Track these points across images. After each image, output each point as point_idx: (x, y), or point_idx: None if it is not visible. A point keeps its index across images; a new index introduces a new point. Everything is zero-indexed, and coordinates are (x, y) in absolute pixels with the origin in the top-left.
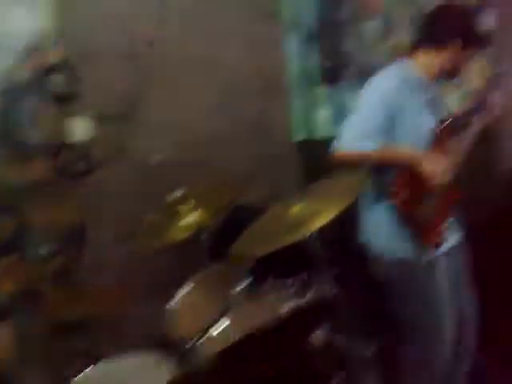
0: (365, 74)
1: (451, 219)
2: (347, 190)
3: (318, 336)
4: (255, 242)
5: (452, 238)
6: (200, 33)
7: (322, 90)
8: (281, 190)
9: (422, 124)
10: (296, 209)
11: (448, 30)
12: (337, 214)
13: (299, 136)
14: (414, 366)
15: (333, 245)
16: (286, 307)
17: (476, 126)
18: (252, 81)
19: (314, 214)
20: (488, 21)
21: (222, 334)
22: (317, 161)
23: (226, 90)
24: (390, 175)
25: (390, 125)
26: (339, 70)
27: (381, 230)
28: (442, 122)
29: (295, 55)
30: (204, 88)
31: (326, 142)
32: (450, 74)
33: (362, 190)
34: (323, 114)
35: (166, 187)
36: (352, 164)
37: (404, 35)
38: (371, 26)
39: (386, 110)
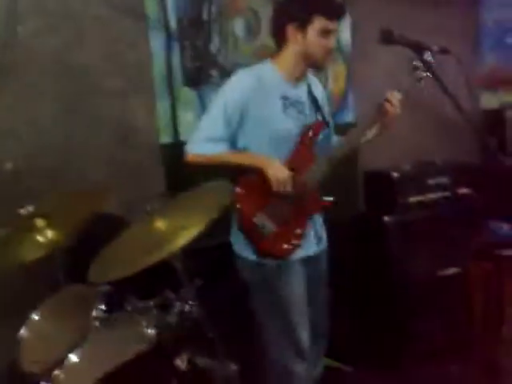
0: (230, 76)
1: (309, 228)
2: (212, 202)
3: (183, 359)
4: (113, 264)
5: (310, 246)
6: (54, 30)
7: (188, 92)
8: (145, 198)
9: (277, 127)
10: (158, 224)
11: (278, 18)
12: (201, 229)
13: (164, 139)
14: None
15: (196, 254)
16: (147, 333)
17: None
18: (112, 80)
19: (177, 230)
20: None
21: (75, 368)
22: (182, 165)
23: (81, 90)
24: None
25: (236, 127)
26: (204, 71)
27: (234, 231)
28: (309, 126)
29: (159, 55)
30: (56, 88)
31: None
32: (310, 63)
33: (227, 201)
34: (188, 117)
35: (14, 200)
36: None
37: (269, 36)
38: (237, 26)
39: (231, 111)
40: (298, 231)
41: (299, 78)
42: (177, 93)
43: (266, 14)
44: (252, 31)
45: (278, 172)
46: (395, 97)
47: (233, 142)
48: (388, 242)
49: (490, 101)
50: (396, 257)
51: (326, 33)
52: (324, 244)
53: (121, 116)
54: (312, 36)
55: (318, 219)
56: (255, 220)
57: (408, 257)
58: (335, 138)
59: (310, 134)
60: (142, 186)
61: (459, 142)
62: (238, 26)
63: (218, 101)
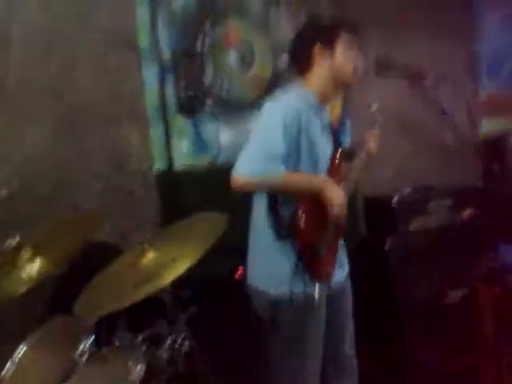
0: (224, 105)
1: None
2: (204, 234)
3: None
4: (100, 299)
5: (338, 273)
6: (48, 58)
7: (182, 121)
8: (137, 227)
9: (320, 150)
10: (149, 256)
11: (304, 40)
12: (193, 262)
13: (157, 167)
14: None
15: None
16: (136, 370)
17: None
18: (107, 108)
19: (167, 263)
20: None
21: None
22: (176, 192)
23: (75, 117)
24: (287, 210)
25: (291, 149)
26: (198, 100)
27: (259, 262)
28: (336, 149)
29: (152, 85)
30: (50, 115)
31: (185, 174)
32: (340, 82)
33: (220, 233)
34: (182, 145)
35: (7, 226)
36: (253, 191)
37: (265, 65)
38: (231, 57)
39: (288, 133)
40: (337, 255)
41: (327, 101)
42: (170, 121)
43: (260, 45)
44: (246, 62)
45: (338, 195)
46: (373, 134)
47: (287, 164)
48: (390, 267)
49: (490, 127)
50: (399, 283)
51: (352, 49)
52: (347, 269)
53: (115, 143)
54: (340, 51)
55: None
56: (316, 242)
57: (411, 283)
58: None
59: (338, 157)
60: (135, 213)
61: (460, 166)
62: (232, 58)
63: (273, 117)
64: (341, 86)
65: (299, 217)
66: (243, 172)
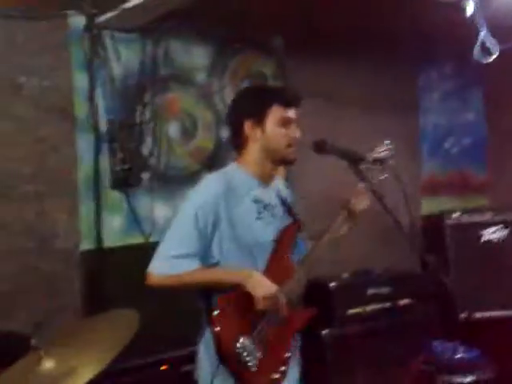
0: (162, 179)
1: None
2: (112, 337)
3: None
4: None
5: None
6: None
7: (115, 195)
8: (53, 314)
9: (253, 235)
10: (46, 364)
11: (233, 116)
12: (96, 372)
13: (85, 245)
14: None
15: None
16: None
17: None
18: (30, 181)
19: (66, 374)
20: None
21: None
22: (102, 275)
23: None
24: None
25: (210, 238)
26: (135, 173)
27: (205, 357)
28: (283, 231)
29: (86, 157)
30: None
31: (116, 252)
32: (276, 160)
33: (131, 335)
34: (115, 221)
35: None
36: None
37: (208, 137)
38: (172, 128)
39: (203, 220)
40: (286, 355)
41: (269, 178)
42: (103, 196)
43: (202, 116)
44: (187, 133)
45: (262, 287)
46: (361, 190)
47: (204, 257)
48: (325, 357)
49: (429, 207)
50: (333, 374)
51: (285, 122)
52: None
53: (37, 221)
54: (271, 128)
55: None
56: (238, 346)
57: (346, 374)
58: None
59: (286, 239)
60: (55, 299)
61: (400, 250)
62: (173, 129)
63: (187, 209)
64: (279, 162)
65: (215, 316)
66: (155, 271)
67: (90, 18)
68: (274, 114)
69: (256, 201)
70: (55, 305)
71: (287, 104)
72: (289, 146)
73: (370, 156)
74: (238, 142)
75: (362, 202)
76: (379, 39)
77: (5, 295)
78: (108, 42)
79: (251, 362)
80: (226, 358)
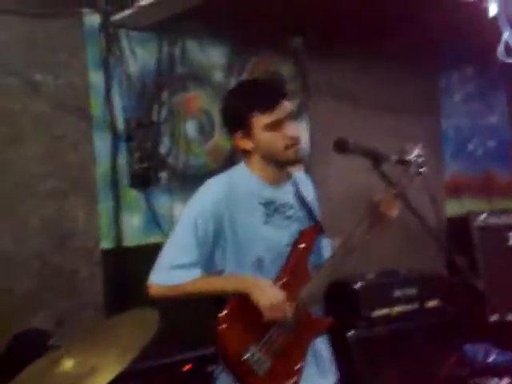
0: (181, 178)
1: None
2: (133, 337)
3: None
4: None
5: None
6: None
7: (133, 194)
8: (76, 312)
9: (260, 240)
10: (66, 364)
11: (227, 129)
12: (116, 372)
13: (104, 244)
14: None
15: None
16: None
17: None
18: (49, 179)
19: (86, 374)
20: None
21: None
22: (123, 273)
23: (13, 190)
24: None
25: (212, 245)
26: (153, 172)
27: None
28: (300, 234)
29: (104, 155)
30: None
31: (136, 251)
32: (279, 162)
33: (151, 335)
34: (133, 220)
35: None
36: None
37: (223, 137)
38: (189, 127)
39: (203, 228)
40: (298, 365)
41: (280, 179)
42: (121, 194)
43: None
44: (205, 132)
45: (268, 296)
46: (390, 196)
47: (207, 266)
48: (351, 359)
49: (453, 209)
50: (360, 376)
51: (274, 126)
52: (333, 379)
53: (57, 219)
54: (262, 136)
55: (321, 345)
56: (247, 355)
57: (373, 377)
58: (325, 243)
59: (303, 243)
60: (77, 297)
61: (425, 252)
62: (191, 127)
63: (186, 217)
64: (283, 165)
65: (222, 323)
66: (153, 281)
67: (105, 16)
68: (257, 122)
69: (265, 203)
70: (77, 303)
71: (267, 108)
72: (287, 147)
73: (393, 157)
74: (240, 150)
75: (392, 211)
76: (401, 41)
77: (26, 293)
78: (124, 40)
79: (260, 371)
80: (235, 367)
